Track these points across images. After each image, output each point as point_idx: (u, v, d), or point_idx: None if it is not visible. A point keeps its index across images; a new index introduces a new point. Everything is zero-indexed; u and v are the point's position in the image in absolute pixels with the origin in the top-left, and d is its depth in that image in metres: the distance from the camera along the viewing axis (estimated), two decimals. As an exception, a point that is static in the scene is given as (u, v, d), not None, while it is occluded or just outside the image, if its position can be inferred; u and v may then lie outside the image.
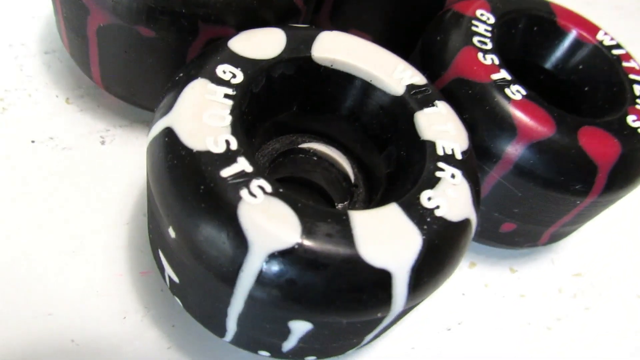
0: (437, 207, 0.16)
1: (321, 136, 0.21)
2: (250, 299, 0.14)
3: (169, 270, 0.17)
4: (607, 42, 0.24)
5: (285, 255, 0.14)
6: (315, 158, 0.21)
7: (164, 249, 0.16)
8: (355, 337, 0.17)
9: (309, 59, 0.18)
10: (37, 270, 0.18)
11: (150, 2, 0.18)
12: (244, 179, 0.14)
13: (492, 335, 0.21)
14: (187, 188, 0.14)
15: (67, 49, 0.22)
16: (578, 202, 0.20)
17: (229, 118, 0.15)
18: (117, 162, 0.22)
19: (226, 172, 0.14)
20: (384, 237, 0.14)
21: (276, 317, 0.15)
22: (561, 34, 0.24)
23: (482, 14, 0.22)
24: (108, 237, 0.20)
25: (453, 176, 0.16)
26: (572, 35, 0.24)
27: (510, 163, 0.20)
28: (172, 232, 0.15)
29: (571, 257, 0.25)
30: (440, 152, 0.17)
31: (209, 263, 0.14)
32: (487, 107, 0.20)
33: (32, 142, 0.22)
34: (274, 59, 0.17)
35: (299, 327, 0.15)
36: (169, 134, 0.15)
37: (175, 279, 0.17)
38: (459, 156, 0.17)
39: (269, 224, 0.14)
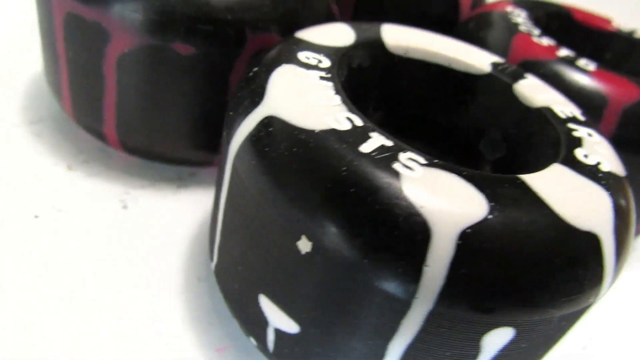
0: (598, 163, 0.13)
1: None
2: (438, 308, 0.10)
3: (279, 322, 0.13)
4: (625, 29, 0.24)
5: (480, 231, 0.10)
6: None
7: (276, 286, 0.12)
8: (545, 349, 0.13)
9: (383, 47, 0.16)
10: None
11: (190, 11, 0.15)
12: (389, 152, 0.11)
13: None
14: (324, 173, 0.11)
15: (69, 106, 0.18)
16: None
17: (338, 97, 0.12)
18: (148, 226, 0.17)
19: (366, 148, 0.11)
20: (574, 197, 0.12)
21: (466, 335, 0.11)
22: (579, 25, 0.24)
23: (511, 11, 0.22)
24: (163, 314, 0.15)
25: (590, 135, 0.14)
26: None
27: (607, 131, 0.18)
28: (304, 245, 0.11)
29: None
30: (563, 116, 0.15)
31: (374, 266, 0.10)
32: (567, 82, 0.18)
33: (36, 217, 0.17)
34: (351, 46, 0.15)
35: (495, 342, 0.11)
36: (273, 123, 0.12)
37: (293, 328, 0.12)
38: (581, 118, 0.15)
39: (447, 197, 0.10)
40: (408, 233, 0.10)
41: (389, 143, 0.11)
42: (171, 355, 0.14)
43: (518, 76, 0.16)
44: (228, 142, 0.13)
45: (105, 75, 0.17)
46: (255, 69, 0.14)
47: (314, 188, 0.11)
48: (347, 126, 0.12)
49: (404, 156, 0.11)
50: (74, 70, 0.17)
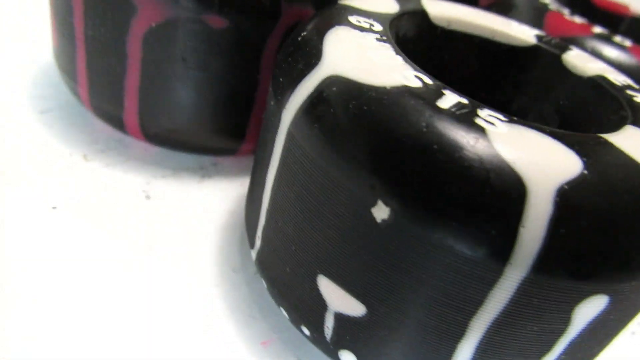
0: (668, 126, 0.12)
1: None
2: (533, 275, 0.09)
3: (341, 304, 0.11)
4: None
5: (577, 187, 0.09)
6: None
7: (340, 263, 0.11)
8: (627, 321, 0.12)
9: (427, 18, 0.15)
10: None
11: (224, -20, 0.14)
12: (468, 109, 0.10)
13: None
14: (402, 131, 0.10)
15: (85, 91, 0.17)
16: None
17: (400, 57, 0.12)
18: (174, 217, 0.16)
19: (444, 104, 0.10)
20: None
21: (558, 306, 0.10)
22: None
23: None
24: (201, 308, 0.14)
25: (651, 101, 0.14)
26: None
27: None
28: (381, 211, 0.10)
29: None
30: (619, 84, 0.14)
31: (463, 230, 0.09)
32: (604, 57, 0.18)
33: (54, 208, 0.15)
34: (397, 14, 0.14)
35: (587, 313, 0.10)
36: (336, 82, 0.11)
37: (359, 310, 0.11)
38: (635, 85, 0.14)
39: (538, 152, 0.10)
40: (501, 191, 0.09)
41: (464, 100, 0.11)
42: (214, 351, 0.13)
43: (564, 47, 0.16)
44: (279, 112, 0.12)
45: (129, 53, 0.16)
46: (304, 33, 0.13)
47: (391, 147, 0.10)
48: (418, 84, 0.11)
49: (483, 113, 0.10)
50: (92, 51, 0.16)
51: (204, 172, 0.18)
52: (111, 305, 0.13)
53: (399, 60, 0.11)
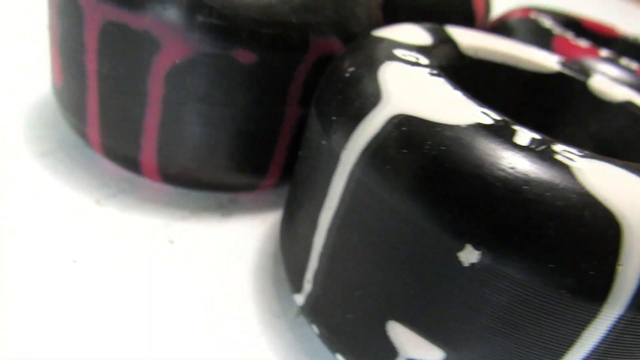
0: None
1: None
2: (629, 312, 0.09)
3: (415, 350, 0.11)
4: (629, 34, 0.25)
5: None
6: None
7: (417, 308, 0.11)
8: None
9: (457, 47, 0.15)
10: None
11: (254, 14, 0.14)
12: (544, 145, 0.10)
13: None
14: (487, 171, 0.09)
15: (95, 131, 0.16)
16: None
17: (459, 93, 0.11)
18: (202, 261, 0.15)
19: (521, 141, 0.10)
20: None
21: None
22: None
23: (537, 17, 0.22)
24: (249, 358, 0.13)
25: (682, 124, 0.14)
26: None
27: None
28: (469, 255, 0.09)
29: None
30: (650, 107, 0.15)
31: (560, 271, 0.09)
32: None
33: (75, 262, 0.14)
34: (432, 45, 0.14)
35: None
36: (406, 121, 0.10)
37: (436, 356, 0.11)
38: (663, 109, 0.15)
39: (627, 187, 0.10)
40: (597, 229, 0.09)
41: (537, 135, 0.10)
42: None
43: (587, 73, 0.16)
44: (336, 152, 0.11)
45: (149, 92, 0.15)
46: (351, 69, 0.12)
47: (480, 191, 0.09)
48: (488, 120, 0.10)
49: (558, 148, 0.10)
50: (107, 90, 0.15)
51: (224, 211, 0.18)
52: (154, 367, 0.12)
53: (460, 96, 0.11)
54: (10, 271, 0.13)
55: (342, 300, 0.12)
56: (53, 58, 0.17)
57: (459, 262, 0.10)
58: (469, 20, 0.25)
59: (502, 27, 0.22)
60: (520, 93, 0.16)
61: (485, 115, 0.11)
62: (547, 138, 0.10)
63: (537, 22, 0.21)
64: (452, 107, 0.11)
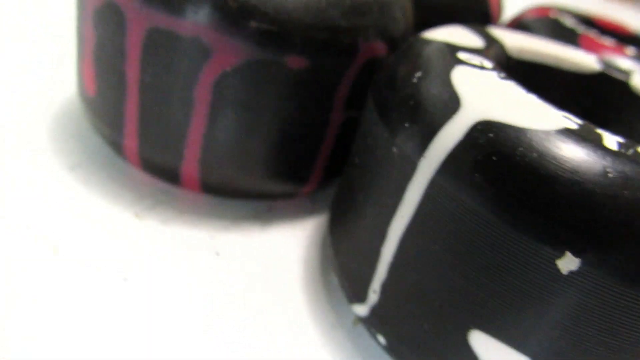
0: None
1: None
2: None
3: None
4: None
5: None
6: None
7: (506, 317, 0.10)
8: None
9: (503, 48, 0.15)
10: None
11: (307, 18, 0.13)
12: (633, 148, 0.10)
13: None
14: (584, 177, 0.09)
15: (134, 142, 0.15)
16: None
17: (534, 96, 0.11)
18: (252, 273, 0.15)
19: (610, 144, 0.10)
20: None
21: None
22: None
23: (557, 17, 0.22)
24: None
25: None
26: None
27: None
28: (568, 262, 0.09)
29: None
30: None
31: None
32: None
33: (125, 279, 0.14)
34: (485, 47, 0.14)
35: None
36: (491, 128, 0.10)
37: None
38: None
39: None
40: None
41: (620, 139, 0.10)
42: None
43: (627, 72, 0.16)
44: (411, 160, 0.11)
45: (196, 101, 0.14)
46: (418, 73, 0.12)
47: (580, 197, 0.09)
48: (573, 125, 0.10)
49: (647, 151, 0.10)
50: (149, 99, 0.15)
51: (263, 219, 0.17)
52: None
53: (535, 100, 0.11)
54: (59, 292, 0.13)
55: (417, 310, 0.12)
56: (84, 66, 0.16)
57: (557, 270, 0.09)
58: (485, 19, 0.25)
59: (520, 27, 0.22)
60: (561, 93, 0.16)
61: (567, 120, 0.10)
62: (630, 141, 0.10)
63: (558, 21, 0.21)
64: (534, 112, 0.10)
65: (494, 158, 0.10)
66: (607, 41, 0.20)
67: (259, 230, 0.17)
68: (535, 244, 0.10)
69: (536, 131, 0.10)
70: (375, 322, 0.13)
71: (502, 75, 0.12)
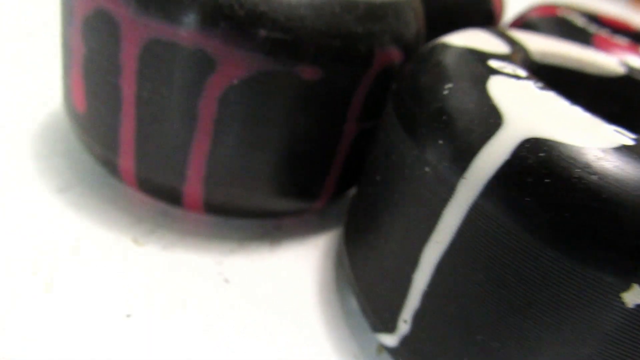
0: None
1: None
2: None
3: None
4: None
5: None
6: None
7: (561, 353, 0.09)
8: None
9: (527, 54, 0.14)
10: None
11: (320, 25, 0.12)
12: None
13: None
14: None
15: (130, 162, 0.14)
16: None
17: (579, 108, 0.10)
18: (265, 300, 0.14)
19: (672, 163, 0.09)
20: None
21: None
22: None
23: (566, 16, 0.21)
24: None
25: None
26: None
27: None
28: (636, 295, 0.08)
29: None
30: None
31: None
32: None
33: (128, 316, 0.12)
34: (512, 52, 0.13)
35: None
36: (542, 147, 0.09)
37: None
38: None
39: None
40: None
41: (677, 154, 0.09)
42: None
43: (649, 74, 0.15)
44: (448, 181, 0.10)
45: (200, 116, 0.13)
46: (449, 85, 0.11)
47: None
48: (628, 140, 0.09)
49: None
50: (147, 115, 0.13)
51: (271, 239, 0.16)
52: None
53: (582, 112, 0.10)
54: (55, 336, 0.11)
55: (457, 344, 0.11)
56: (72, 80, 0.15)
57: (622, 304, 0.09)
58: (488, 18, 0.24)
59: (526, 27, 0.21)
60: (585, 97, 0.16)
61: (621, 135, 0.10)
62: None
63: (568, 21, 0.20)
64: (584, 127, 0.10)
65: (547, 180, 0.09)
66: (621, 40, 0.19)
67: (268, 252, 0.15)
68: (596, 275, 0.09)
69: (592, 150, 0.09)
70: (406, 354, 0.12)
71: (540, 85, 0.11)
